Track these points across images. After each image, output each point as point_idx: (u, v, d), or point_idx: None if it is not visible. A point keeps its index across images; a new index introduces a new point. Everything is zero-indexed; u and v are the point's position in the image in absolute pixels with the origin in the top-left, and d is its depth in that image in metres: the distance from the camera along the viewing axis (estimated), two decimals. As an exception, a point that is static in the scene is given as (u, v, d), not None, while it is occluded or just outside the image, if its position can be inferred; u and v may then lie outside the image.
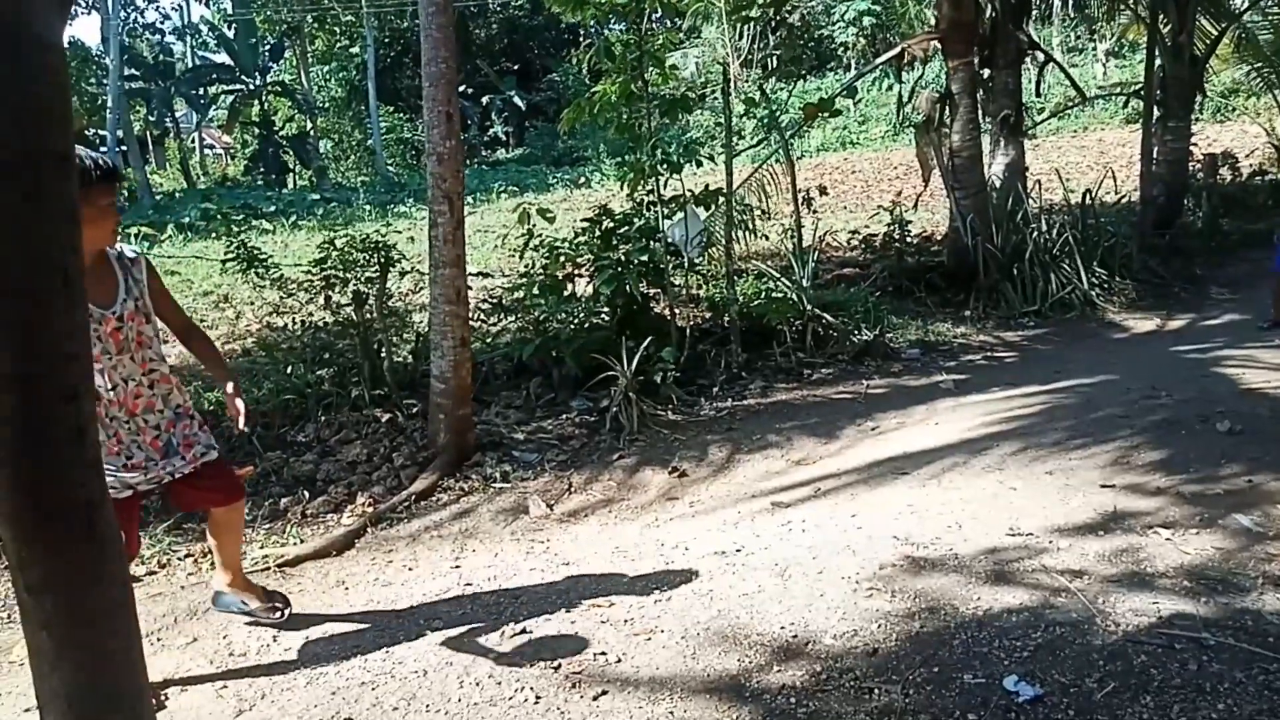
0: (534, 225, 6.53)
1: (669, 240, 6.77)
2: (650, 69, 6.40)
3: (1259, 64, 12.87)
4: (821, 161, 20.31)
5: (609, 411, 5.53)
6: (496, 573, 3.68)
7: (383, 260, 6.01)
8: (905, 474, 4.41)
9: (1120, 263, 8.66)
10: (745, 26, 11.23)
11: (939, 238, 10.18)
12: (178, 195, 25.48)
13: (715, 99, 20.70)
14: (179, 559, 3.98)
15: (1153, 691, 2.41)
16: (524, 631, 3.10)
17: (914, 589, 3.13)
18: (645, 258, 6.54)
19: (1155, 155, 10.29)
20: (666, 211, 6.71)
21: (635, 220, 6.71)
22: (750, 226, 8.93)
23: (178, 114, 33.19)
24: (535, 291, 6.42)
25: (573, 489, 4.73)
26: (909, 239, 9.48)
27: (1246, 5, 12.05)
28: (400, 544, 4.13)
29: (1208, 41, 11.05)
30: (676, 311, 6.79)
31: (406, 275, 7.07)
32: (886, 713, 2.45)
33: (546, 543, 4.06)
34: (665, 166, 6.47)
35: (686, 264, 7.06)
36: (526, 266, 6.78)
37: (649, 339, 5.81)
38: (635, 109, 6.54)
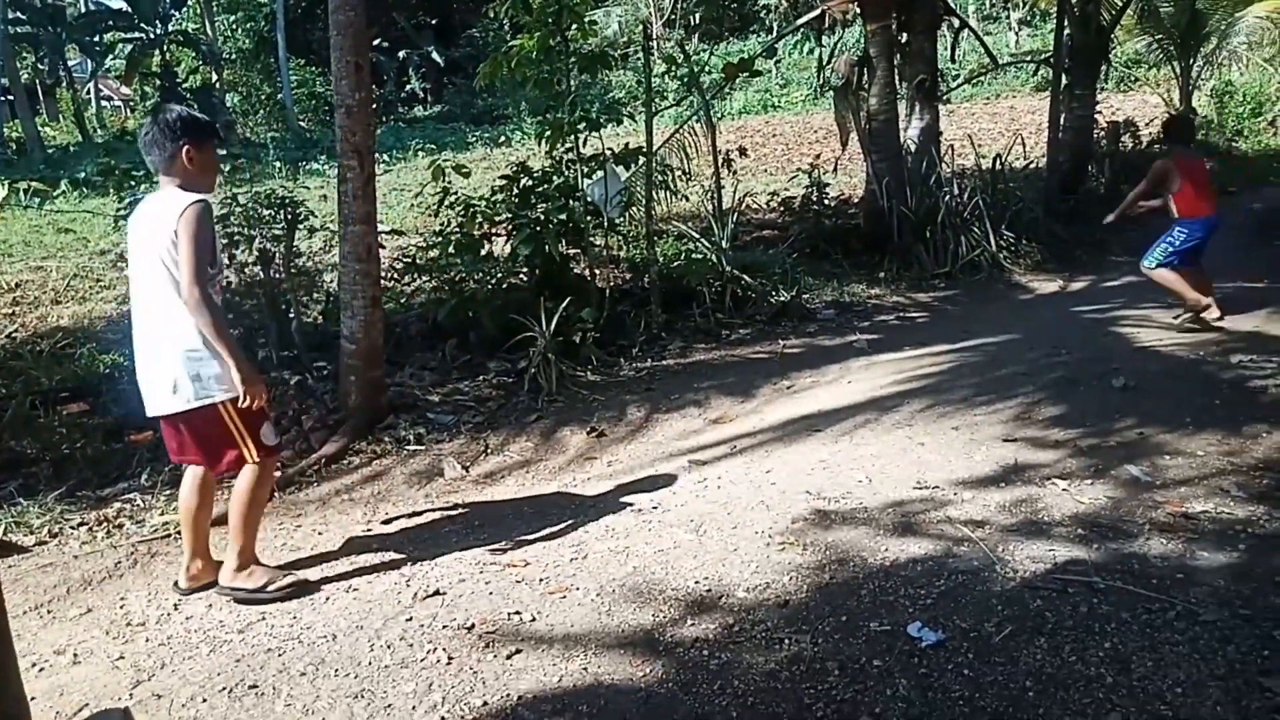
0: (449, 182, 6.36)
1: (589, 199, 6.68)
2: (570, 24, 6.25)
3: (1160, 35, 13.33)
4: (743, 124, 20.31)
5: (527, 373, 5.47)
6: (410, 536, 3.62)
7: (289, 217, 5.78)
8: (818, 431, 4.50)
9: (1027, 226, 8.93)
10: (667, -16, 11.12)
11: (856, 201, 10.31)
12: (72, 149, 23.96)
13: (637, 58, 20.48)
14: (71, 528, 3.80)
15: (1046, 633, 2.52)
16: (437, 593, 3.06)
17: (824, 542, 3.20)
18: (564, 217, 6.44)
19: (1062, 123, 10.58)
20: (586, 170, 6.61)
21: (554, 179, 6.59)
22: (671, 187, 8.88)
23: (70, 62, 31.12)
24: (451, 250, 6.25)
25: (489, 450, 4.68)
26: (827, 202, 9.57)
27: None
28: (310, 508, 4.02)
29: (1113, 12, 11.37)
30: (596, 272, 6.74)
31: (317, 233, 6.83)
32: (796, 661, 2.50)
33: (462, 505, 4.01)
34: (585, 124, 6.35)
35: (606, 224, 6.98)
36: (442, 225, 6.60)
37: (568, 300, 5.75)
38: (555, 65, 6.40)
